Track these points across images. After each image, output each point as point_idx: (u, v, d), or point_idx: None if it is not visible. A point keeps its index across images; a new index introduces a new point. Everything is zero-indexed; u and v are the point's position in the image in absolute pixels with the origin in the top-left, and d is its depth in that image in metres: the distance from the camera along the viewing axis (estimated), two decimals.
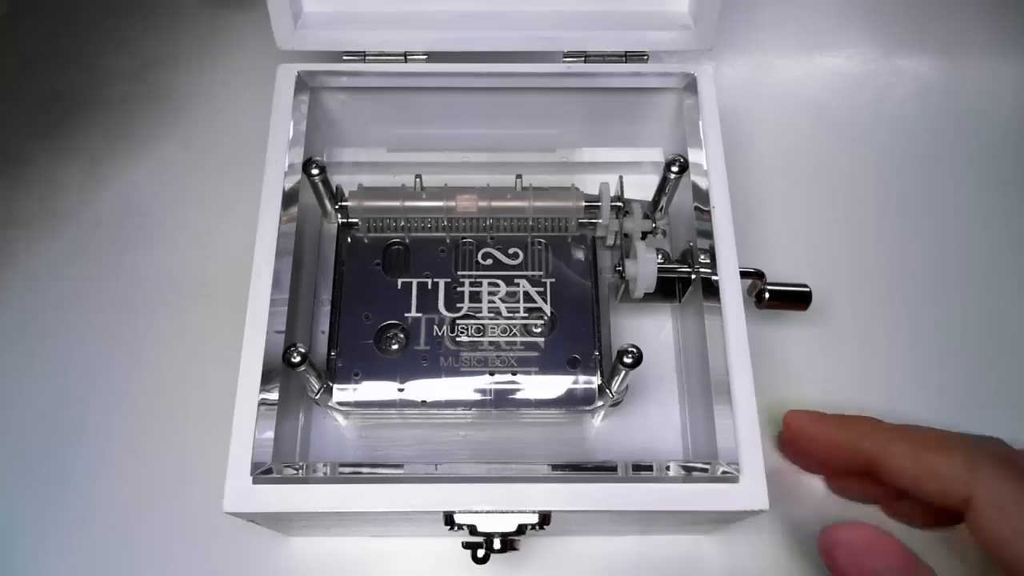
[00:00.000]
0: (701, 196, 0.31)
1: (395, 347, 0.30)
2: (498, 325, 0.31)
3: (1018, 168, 0.41)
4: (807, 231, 0.36)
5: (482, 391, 0.30)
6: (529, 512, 0.26)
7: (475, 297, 0.31)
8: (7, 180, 0.41)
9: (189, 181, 0.38)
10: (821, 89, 0.44)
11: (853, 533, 0.29)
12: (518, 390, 0.30)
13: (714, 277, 0.29)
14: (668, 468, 0.26)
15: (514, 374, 0.30)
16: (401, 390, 0.30)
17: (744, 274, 0.30)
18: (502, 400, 0.29)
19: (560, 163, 0.35)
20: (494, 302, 0.31)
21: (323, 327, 0.31)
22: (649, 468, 0.26)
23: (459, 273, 0.32)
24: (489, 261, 0.32)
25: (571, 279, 0.32)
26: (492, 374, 0.30)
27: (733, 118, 0.36)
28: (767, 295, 0.32)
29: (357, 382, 0.30)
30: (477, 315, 0.31)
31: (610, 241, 0.33)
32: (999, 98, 0.43)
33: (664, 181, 0.32)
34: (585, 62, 0.33)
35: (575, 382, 0.30)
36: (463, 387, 0.30)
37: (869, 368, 0.36)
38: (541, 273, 0.32)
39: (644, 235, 0.32)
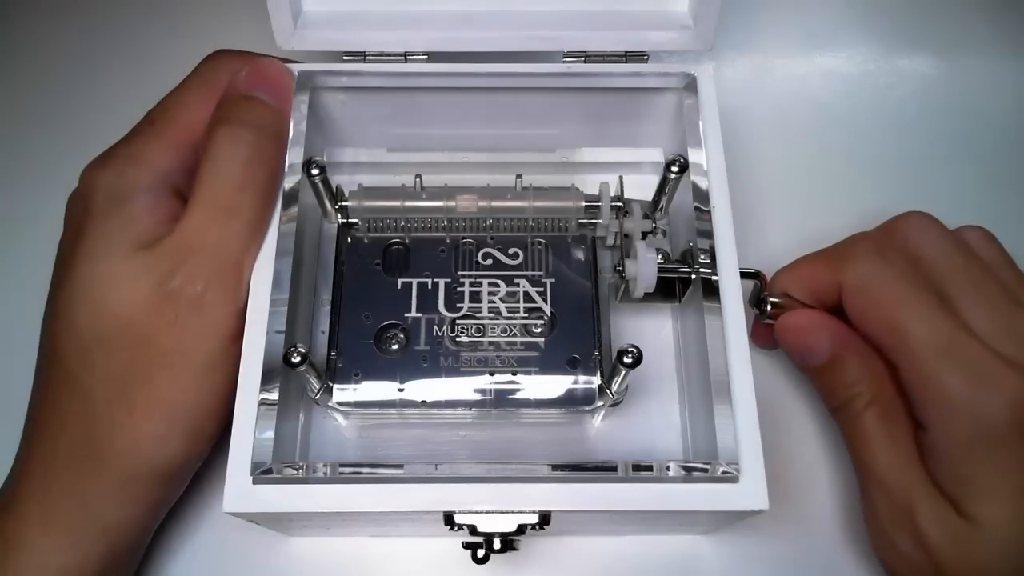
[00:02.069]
0: (701, 196, 0.31)
1: (395, 347, 0.30)
2: (498, 325, 0.31)
3: (1018, 168, 0.41)
4: (807, 231, 0.36)
5: (482, 391, 0.30)
6: (529, 512, 0.26)
7: (475, 297, 0.31)
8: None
9: None
10: (821, 89, 0.44)
11: (800, 316, 0.32)
12: (518, 390, 0.30)
13: (714, 277, 0.29)
14: (668, 468, 0.26)
15: (514, 374, 0.30)
16: (401, 390, 0.30)
17: (744, 274, 0.30)
18: (502, 400, 0.29)
19: (560, 163, 0.35)
20: (494, 302, 0.31)
21: (323, 327, 0.31)
22: (649, 468, 0.26)
23: (459, 273, 0.32)
24: (489, 261, 0.32)
25: (571, 279, 0.32)
26: (492, 374, 0.30)
27: (733, 118, 0.36)
28: (769, 307, 0.33)
29: (357, 382, 0.30)
30: (477, 315, 0.31)
31: (610, 241, 0.33)
32: (999, 98, 0.44)
33: (664, 181, 0.32)
34: (585, 62, 0.33)
35: (575, 382, 0.30)
36: (463, 387, 0.30)
37: None
38: (541, 273, 0.32)
39: (644, 235, 0.32)
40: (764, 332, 0.34)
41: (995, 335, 0.27)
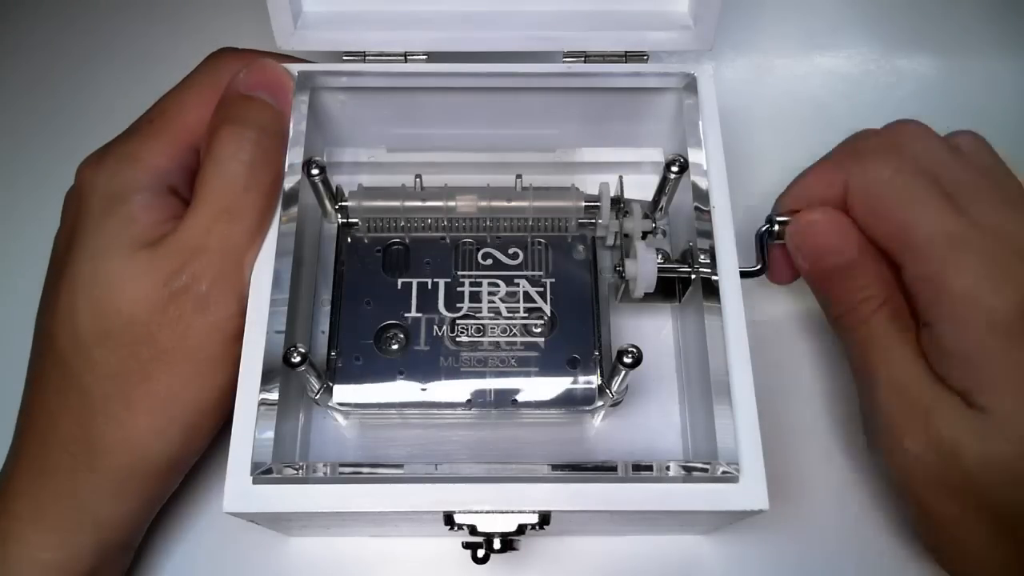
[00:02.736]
0: (701, 196, 0.31)
1: (395, 347, 0.30)
2: (498, 325, 0.31)
3: (1018, 168, 0.41)
4: None
5: (482, 391, 0.30)
6: (529, 512, 0.26)
7: (475, 297, 0.31)
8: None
9: None
10: (821, 89, 0.44)
11: (821, 212, 0.31)
12: (518, 390, 0.30)
13: (714, 277, 0.29)
14: (668, 468, 0.26)
15: (514, 374, 0.30)
16: (401, 390, 0.30)
17: (744, 274, 0.30)
18: (502, 400, 0.29)
19: (560, 163, 0.35)
20: (494, 302, 0.31)
21: (323, 327, 0.31)
22: (649, 468, 0.26)
23: (459, 273, 0.32)
24: (489, 261, 0.32)
25: (571, 279, 0.32)
26: (492, 374, 0.30)
27: (733, 118, 0.36)
28: (777, 226, 0.32)
29: (359, 376, 0.30)
30: (477, 315, 0.31)
31: (610, 241, 0.33)
32: (999, 98, 0.44)
33: (664, 181, 0.32)
34: (585, 62, 0.33)
35: (575, 382, 0.30)
36: (463, 387, 0.30)
37: None
38: (541, 273, 0.32)
39: (644, 235, 0.32)
40: (781, 263, 0.33)
41: (999, 230, 0.28)
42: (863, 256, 0.30)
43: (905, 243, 0.28)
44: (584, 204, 0.32)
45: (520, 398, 0.29)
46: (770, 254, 0.33)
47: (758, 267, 0.32)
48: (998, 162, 0.31)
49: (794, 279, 0.34)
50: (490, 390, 0.30)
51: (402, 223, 0.32)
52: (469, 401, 0.29)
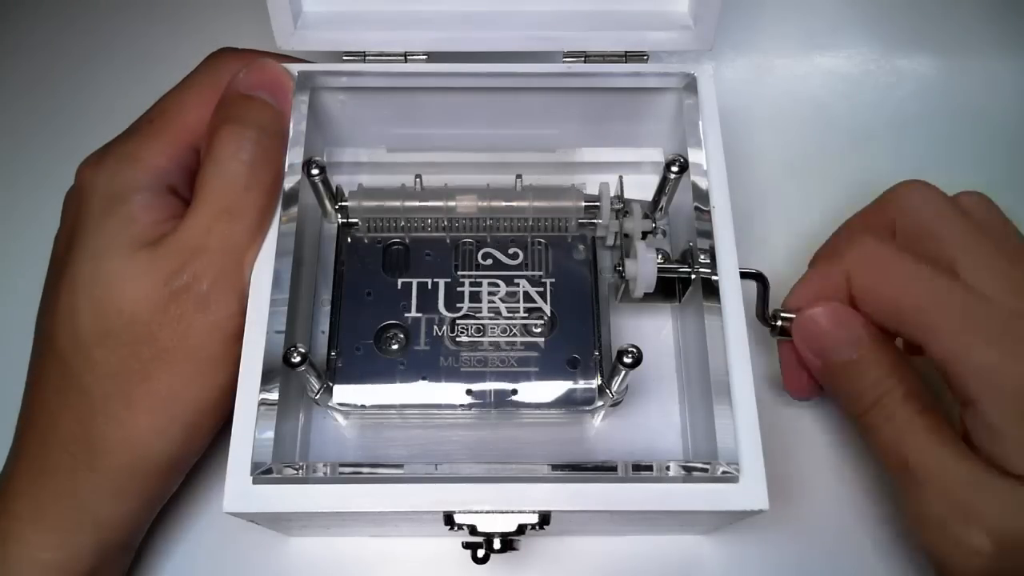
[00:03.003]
0: (701, 196, 0.31)
1: (395, 347, 0.30)
2: (498, 325, 0.31)
3: (1018, 168, 0.41)
4: (807, 231, 0.36)
5: (482, 391, 0.30)
6: (529, 512, 0.26)
7: (475, 297, 0.31)
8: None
9: None
10: (821, 89, 0.44)
11: (822, 307, 0.30)
12: (518, 390, 0.30)
13: (714, 277, 0.29)
14: (668, 468, 0.26)
15: (514, 374, 0.30)
16: (401, 390, 0.30)
17: (744, 274, 0.30)
18: (502, 400, 0.29)
19: (560, 163, 0.35)
20: (494, 302, 0.31)
21: (323, 327, 0.31)
22: (649, 468, 0.26)
23: (459, 273, 0.32)
24: (489, 261, 0.32)
25: (571, 279, 0.32)
26: (492, 374, 0.30)
27: (733, 118, 0.36)
28: (780, 321, 0.31)
29: (358, 382, 0.30)
30: (477, 315, 0.31)
31: (610, 241, 0.33)
32: (999, 98, 0.44)
33: (664, 181, 0.32)
34: (585, 62, 0.33)
35: (575, 382, 0.30)
36: (463, 387, 0.30)
37: None
38: (541, 273, 0.32)
39: (644, 235, 0.32)
40: (798, 377, 0.32)
41: (1003, 294, 0.27)
42: (873, 347, 0.29)
43: (917, 325, 0.27)
44: (584, 204, 0.32)
45: (520, 398, 0.29)
46: (785, 366, 0.33)
47: (756, 272, 0.32)
48: (1003, 221, 0.30)
49: (815, 394, 0.33)
50: (490, 390, 0.30)
51: (402, 223, 0.32)
52: (469, 401, 0.29)
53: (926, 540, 0.28)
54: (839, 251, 0.30)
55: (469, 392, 0.30)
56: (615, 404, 0.30)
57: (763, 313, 0.32)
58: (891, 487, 0.34)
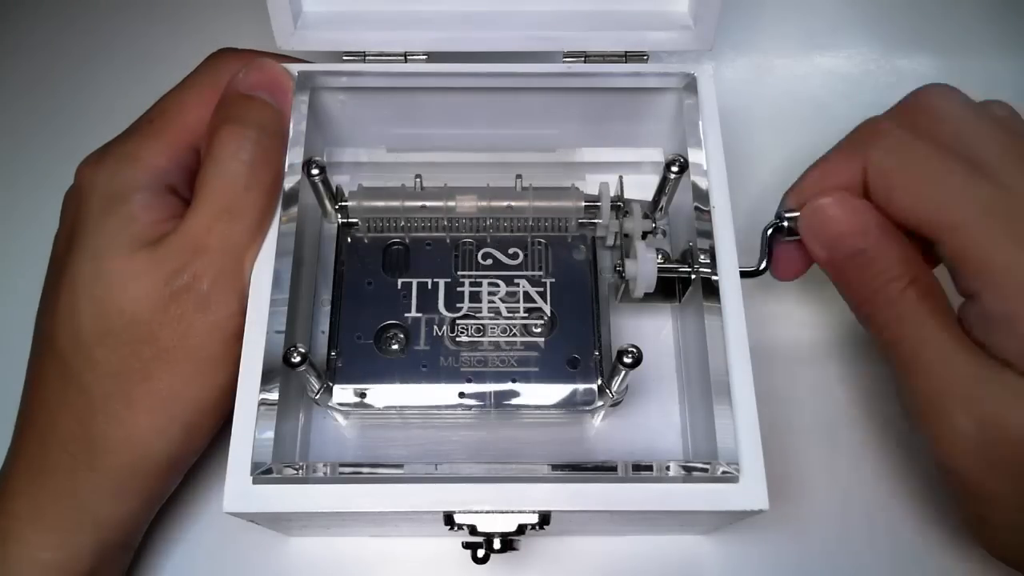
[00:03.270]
0: (701, 196, 0.31)
1: (395, 347, 0.30)
2: (498, 325, 0.31)
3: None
4: None
5: (482, 391, 0.30)
6: (529, 512, 0.26)
7: (475, 297, 0.31)
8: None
9: None
10: (821, 89, 0.44)
11: (833, 197, 0.29)
12: (518, 390, 0.30)
13: (714, 277, 0.29)
14: (668, 468, 0.26)
15: (514, 374, 0.30)
16: (401, 390, 0.30)
17: (744, 274, 0.30)
18: (502, 400, 0.29)
19: (560, 163, 0.35)
20: (494, 302, 0.31)
21: (323, 327, 0.31)
22: (649, 468, 0.26)
23: (459, 273, 0.32)
24: (489, 261, 0.32)
25: (571, 279, 0.32)
26: (492, 374, 0.30)
27: (733, 118, 0.36)
28: (786, 222, 0.31)
29: (359, 382, 0.30)
30: (477, 315, 0.31)
31: (610, 241, 0.33)
32: (999, 98, 0.43)
33: (664, 181, 0.32)
34: (585, 62, 0.33)
35: (575, 382, 0.30)
36: (463, 387, 0.30)
37: (869, 365, 0.36)
38: (541, 273, 0.32)
39: (644, 235, 0.32)
40: (786, 257, 0.32)
41: None
42: (883, 237, 0.29)
43: (938, 219, 0.27)
44: (584, 204, 0.32)
45: (520, 398, 0.29)
46: (775, 249, 0.32)
47: (760, 267, 0.32)
48: None
49: (800, 274, 0.33)
50: (490, 390, 0.30)
51: (402, 223, 0.32)
52: (469, 401, 0.29)
53: (919, 422, 0.28)
54: (859, 147, 0.30)
55: (468, 393, 0.29)
56: (615, 404, 0.30)
57: (775, 220, 0.31)
58: (891, 478, 0.34)
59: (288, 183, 0.30)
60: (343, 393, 0.29)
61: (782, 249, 0.32)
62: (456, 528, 0.26)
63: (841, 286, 0.31)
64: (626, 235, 0.32)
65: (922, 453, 0.33)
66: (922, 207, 0.28)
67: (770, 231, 0.32)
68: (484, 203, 0.32)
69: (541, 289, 0.31)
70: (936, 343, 0.27)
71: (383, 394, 0.29)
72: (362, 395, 0.29)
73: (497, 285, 0.31)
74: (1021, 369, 0.26)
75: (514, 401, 0.29)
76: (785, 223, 0.31)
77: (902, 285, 0.28)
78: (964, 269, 0.27)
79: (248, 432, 0.26)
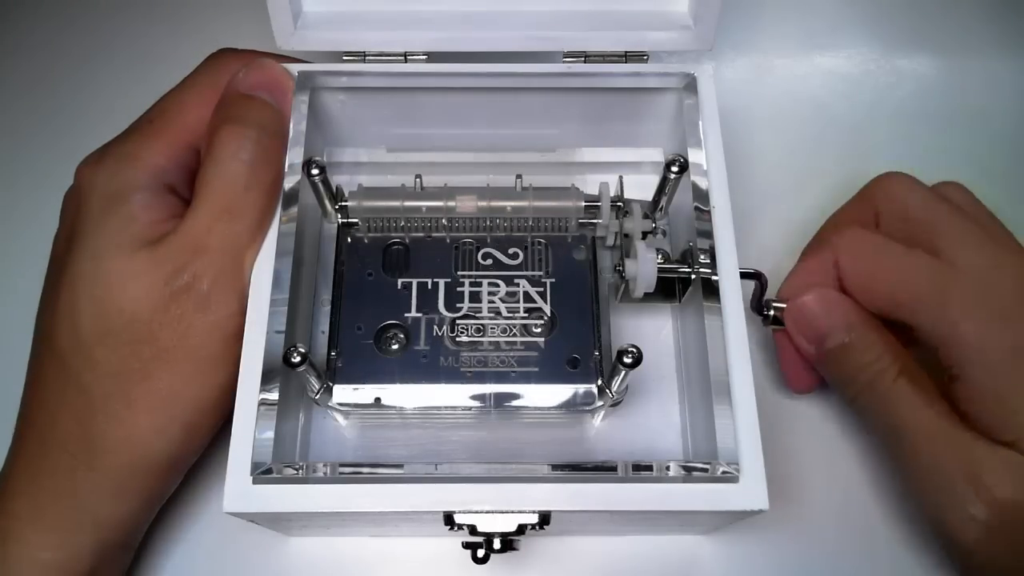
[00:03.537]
0: (701, 196, 0.31)
1: (395, 347, 0.30)
2: (498, 325, 0.31)
3: (1018, 168, 0.41)
4: (807, 231, 0.36)
5: (482, 391, 0.30)
6: (529, 512, 0.26)
7: (475, 297, 0.31)
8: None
9: None
10: (821, 89, 0.44)
11: (812, 293, 0.31)
12: (518, 390, 0.30)
13: (714, 277, 0.29)
14: (668, 468, 0.26)
15: (514, 374, 0.30)
16: (401, 390, 0.30)
17: (744, 274, 0.30)
18: (502, 400, 0.29)
19: (560, 163, 0.35)
20: (494, 302, 0.31)
21: (323, 327, 0.31)
22: (649, 468, 0.26)
23: (459, 273, 0.32)
24: (489, 261, 0.32)
25: (571, 279, 0.32)
26: (492, 374, 0.30)
27: (733, 118, 0.36)
28: (772, 311, 0.32)
29: (359, 382, 0.30)
30: (477, 315, 0.31)
31: (610, 241, 0.33)
32: (999, 98, 0.44)
33: (664, 181, 0.32)
34: (585, 62, 0.33)
35: (575, 382, 0.30)
36: (463, 387, 0.30)
37: None
38: (541, 273, 0.32)
39: (644, 235, 0.32)
40: (795, 372, 0.33)
41: (983, 268, 0.28)
42: (867, 328, 0.30)
43: (908, 309, 0.29)
44: (584, 204, 0.32)
45: (520, 398, 0.29)
46: (783, 360, 0.33)
47: (756, 271, 0.32)
48: (983, 208, 0.32)
49: (813, 387, 0.34)
50: (490, 391, 0.30)
51: (402, 223, 0.32)
52: (469, 401, 0.29)
53: (925, 510, 0.29)
54: (827, 241, 0.32)
55: (469, 392, 0.29)
56: (615, 404, 0.30)
57: (757, 305, 0.33)
58: (891, 478, 0.34)
59: (288, 183, 0.30)
60: (343, 393, 0.29)
61: (790, 361, 0.33)
62: (456, 528, 0.26)
63: (832, 379, 0.32)
64: (626, 235, 0.32)
65: (927, 531, 0.33)
66: (889, 296, 0.29)
67: (757, 312, 0.32)
68: (484, 203, 0.32)
69: (541, 289, 0.31)
70: (935, 431, 0.28)
71: (384, 394, 0.29)
72: (378, 400, 0.29)
73: (497, 285, 0.31)
74: (1019, 448, 0.26)
75: (514, 402, 0.29)
76: (771, 312, 0.32)
77: (893, 375, 0.29)
78: (942, 351, 0.28)
79: (248, 432, 0.26)
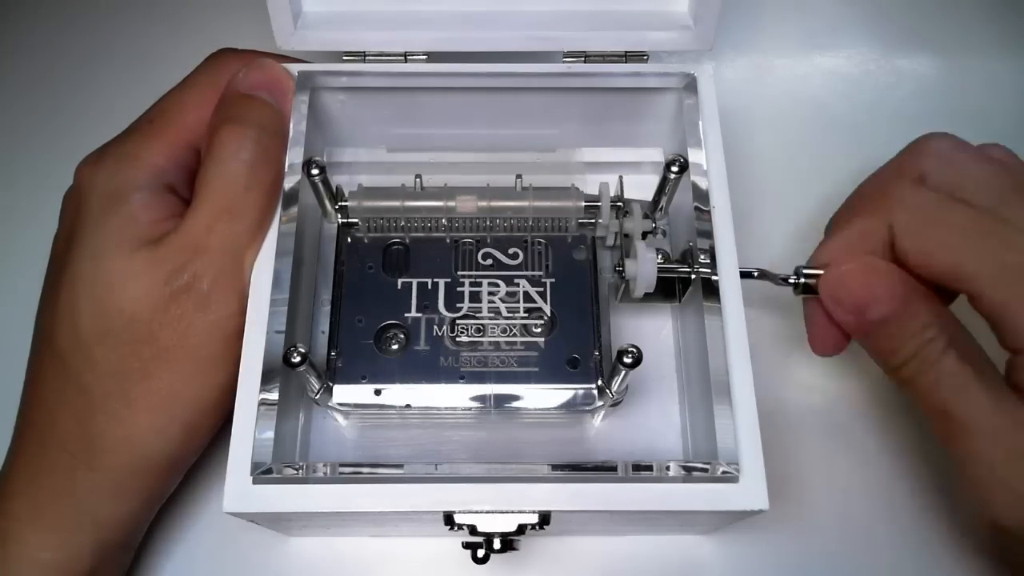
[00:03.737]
0: (701, 196, 0.31)
1: (395, 347, 0.30)
2: (498, 325, 0.31)
3: None
4: (807, 231, 0.36)
5: (482, 391, 0.30)
6: (529, 512, 0.26)
7: (475, 297, 0.31)
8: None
9: None
10: (821, 89, 0.44)
11: (855, 262, 0.28)
12: (518, 390, 0.30)
13: (714, 277, 0.29)
14: (668, 468, 0.26)
15: (514, 374, 0.30)
16: (401, 390, 0.30)
17: (744, 274, 0.30)
18: (502, 400, 0.29)
19: (560, 163, 0.35)
20: (494, 302, 0.31)
21: (323, 327, 0.31)
22: (649, 468, 0.26)
23: (459, 273, 0.32)
24: (489, 261, 0.32)
25: (571, 279, 0.32)
26: (492, 374, 0.30)
27: (733, 118, 0.36)
28: (804, 281, 0.30)
29: (359, 382, 0.30)
30: (477, 315, 0.31)
31: (610, 241, 0.33)
32: (999, 98, 0.44)
33: (664, 181, 0.32)
34: (585, 62, 0.33)
35: (575, 382, 0.30)
36: (463, 387, 0.30)
37: (869, 365, 0.36)
38: (541, 273, 0.32)
39: (644, 235, 0.32)
40: (823, 328, 0.31)
41: None
42: (913, 299, 0.28)
43: (973, 276, 0.27)
44: (584, 204, 0.32)
45: (520, 398, 0.29)
46: (809, 321, 0.31)
47: (756, 271, 0.32)
48: None
49: (841, 349, 0.31)
50: (490, 391, 0.30)
51: (402, 223, 0.32)
52: (469, 401, 0.29)
53: (974, 489, 0.27)
54: (878, 202, 0.29)
55: (469, 392, 0.29)
56: (615, 404, 0.30)
57: (779, 277, 0.30)
58: (891, 478, 0.34)
59: (288, 183, 0.30)
60: (343, 393, 0.29)
61: (816, 322, 0.31)
62: (456, 528, 0.26)
63: (873, 351, 0.30)
64: (626, 235, 0.32)
65: (927, 530, 0.32)
66: (959, 264, 0.27)
67: (790, 283, 0.30)
68: (484, 203, 0.32)
69: (541, 289, 0.31)
70: (990, 406, 0.26)
71: (383, 394, 0.29)
72: (378, 392, 0.29)
73: (497, 285, 0.31)
74: None
75: (514, 402, 0.29)
76: (802, 279, 0.30)
77: (941, 346, 0.27)
78: (1004, 323, 0.26)
79: (248, 432, 0.26)
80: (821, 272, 0.29)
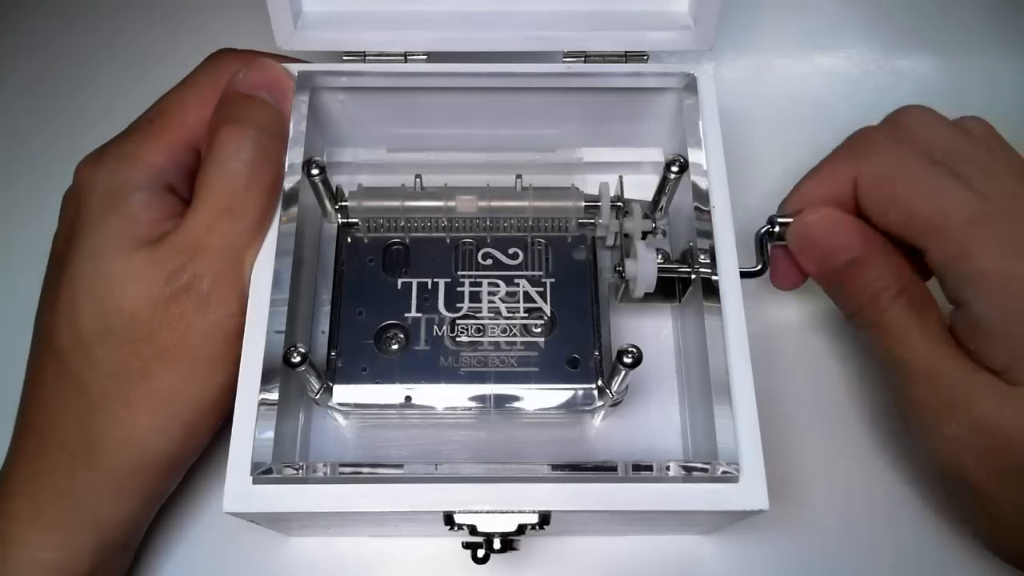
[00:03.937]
0: (701, 196, 0.31)
1: (395, 347, 0.30)
2: (498, 325, 0.31)
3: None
4: None
5: (482, 391, 0.30)
6: (529, 512, 0.26)
7: (475, 297, 0.31)
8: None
9: None
10: (821, 89, 0.44)
11: (821, 211, 0.31)
12: (518, 390, 0.30)
13: (714, 277, 0.29)
14: (668, 468, 0.26)
15: (514, 374, 0.30)
16: (405, 395, 0.30)
17: (744, 274, 0.30)
18: (502, 400, 0.29)
19: (560, 163, 0.35)
20: (494, 302, 0.31)
21: (323, 327, 0.31)
22: (649, 468, 0.26)
23: (459, 273, 0.32)
24: (489, 261, 0.32)
25: (571, 279, 0.32)
26: (492, 374, 0.30)
27: (733, 118, 0.36)
28: (777, 227, 0.32)
29: (365, 379, 0.30)
30: (477, 315, 0.31)
31: (610, 241, 0.33)
32: (999, 98, 0.43)
33: (664, 181, 0.32)
34: (585, 62, 0.33)
35: (575, 382, 0.30)
36: (463, 387, 0.30)
37: (869, 365, 0.36)
38: (541, 273, 0.32)
39: (644, 235, 0.32)
40: (785, 267, 0.33)
41: (1014, 202, 0.28)
42: (871, 249, 0.30)
43: (925, 228, 0.28)
44: (584, 204, 0.32)
45: (520, 398, 0.29)
46: (773, 258, 0.33)
47: (758, 267, 0.32)
48: (1004, 142, 0.31)
49: (799, 284, 0.34)
50: (490, 391, 0.30)
51: (402, 223, 0.32)
52: (469, 401, 0.29)
53: (912, 430, 0.29)
54: (849, 159, 0.31)
55: (469, 392, 0.29)
56: (615, 404, 0.30)
57: (768, 226, 0.32)
58: (891, 478, 0.34)
59: (288, 183, 0.30)
60: (343, 393, 0.29)
61: (779, 259, 0.33)
62: (456, 528, 0.26)
63: (832, 295, 0.32)
64: (626, 235, 0.32)
65: (922, 460, 0.33)
66: (908, 215, 0.29)
67: (763, 234, 0.32)
68: (484, 203, 0.32)
69: (541, 289, 0.31)
70: (928, 351, 0.28)
71: (383, 394, 0.29)
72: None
73: (497, 285, 0.31)
74: (1009, 378, 0.27)
75: (514, 402, 0.29)
76: (776, 228, 0.32)
77: (892, 294, 0.29)
78: (950, 276, 0.28)
79: (248, 432, 0.26)
80: (791, 220, 0.32)
